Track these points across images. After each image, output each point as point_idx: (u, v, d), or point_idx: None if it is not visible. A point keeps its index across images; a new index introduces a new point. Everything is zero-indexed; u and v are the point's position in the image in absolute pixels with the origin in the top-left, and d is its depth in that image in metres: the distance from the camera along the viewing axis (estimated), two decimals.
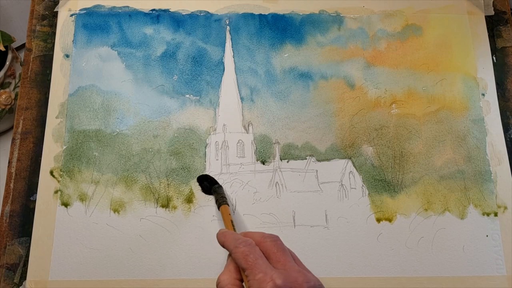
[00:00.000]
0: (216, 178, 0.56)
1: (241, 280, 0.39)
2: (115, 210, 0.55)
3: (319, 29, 0.62)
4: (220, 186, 0.55)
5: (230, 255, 0.41)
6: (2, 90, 0.64)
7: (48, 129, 0.57)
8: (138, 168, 0.56)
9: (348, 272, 0.53)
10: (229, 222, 0.48)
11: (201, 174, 0.56)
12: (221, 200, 0.52)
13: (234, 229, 0.47)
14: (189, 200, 0.55)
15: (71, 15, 0.62)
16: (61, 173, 0.56)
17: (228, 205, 0.51)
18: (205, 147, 0.58)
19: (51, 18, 0.62)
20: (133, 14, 0.62)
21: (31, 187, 0.56)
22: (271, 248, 0.40)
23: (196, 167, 0.57)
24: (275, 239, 0.41)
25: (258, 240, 0.41)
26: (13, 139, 0.57)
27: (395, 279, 0.53)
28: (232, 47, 0.62)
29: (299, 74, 0.61)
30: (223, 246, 0.43)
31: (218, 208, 0.52)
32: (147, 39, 0.61)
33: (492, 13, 0.64)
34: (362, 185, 0.57)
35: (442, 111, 0.59)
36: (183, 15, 0.63)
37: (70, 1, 0.63)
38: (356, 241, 0.54)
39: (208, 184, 0.55)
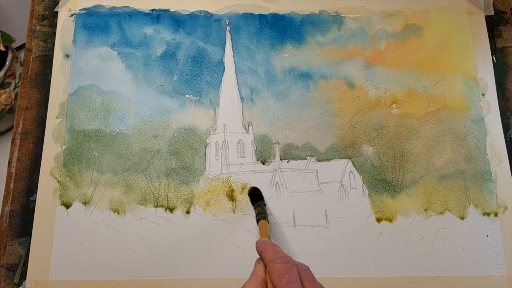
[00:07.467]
0: (218, 176, 0.56)
1: None
2: (115, 210, 0.55)
3: (319, 29, 0.62)
4: (265, 204, 0.54)
5: (258, 262, 0.40)
6: (2, 90, 0.64)
7: (48, 129, 0.57)
8: (138, 168, 0.56)
9: (348, 272, 0.53)
10: (268, 236, 0.47)
11: (253, 187, 0.56)
12: (262, 215, 0.51)
13: None
14: (189, 200, 0.55)
15: (71, 15, 0.62)
16: (61, 173, 0.56)
17: (268, 221, 0.51)
18: (205, 147, 0.58)
19: (51, 18, 0.62)
20: (133, 14, 0.62)
21: (31, 187, 0.56)
22: (304, 276, 0.38)
23: (196, 167, 0.57)
24: (307, 268, 0.39)
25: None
26: (13, 139, 0.57)
27: (395, 279, 0.53)
28: (232, 47, 0.62)
29: (299, 74, 0.61)
30: (260, 254, 0.41)
31: (257, 222, 0.51)
32: (147, 39, 0.61)
33: (492, 13, 0.64)
34: (362, 185, 0.57)
35: (442, 111, 0.59)
36: (183, 15, 0.63)
37: (70, 1, 0.63)
38: (356, 241, 0.54)
39: (255, 198, 0.54)
